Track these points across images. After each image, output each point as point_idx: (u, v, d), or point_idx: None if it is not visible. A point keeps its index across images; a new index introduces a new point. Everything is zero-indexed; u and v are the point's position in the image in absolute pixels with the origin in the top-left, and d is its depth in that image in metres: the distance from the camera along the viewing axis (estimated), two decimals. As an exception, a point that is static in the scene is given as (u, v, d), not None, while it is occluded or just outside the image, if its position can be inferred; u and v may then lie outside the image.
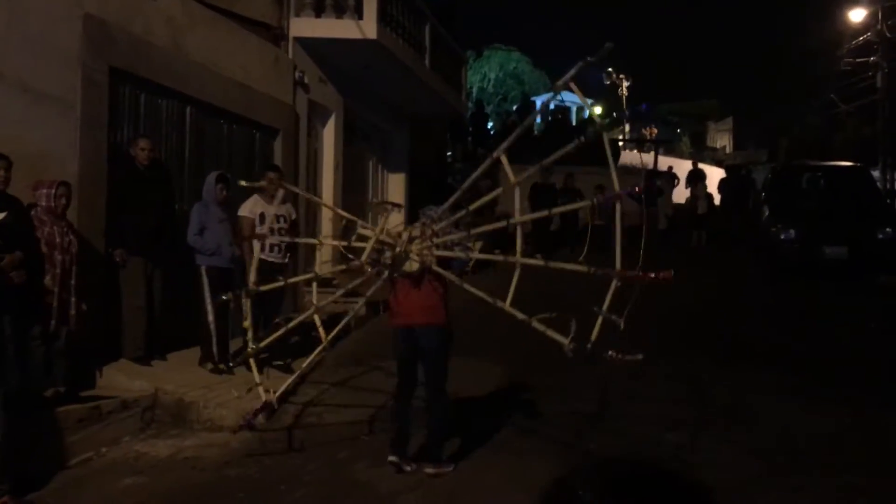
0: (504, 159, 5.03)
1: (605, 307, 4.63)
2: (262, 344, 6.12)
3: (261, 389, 5.92)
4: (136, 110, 7.63)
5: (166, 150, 8.05)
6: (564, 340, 4.65)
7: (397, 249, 5.24)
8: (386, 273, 5.35)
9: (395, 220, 5.54)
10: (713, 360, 8.00)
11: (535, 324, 4.84)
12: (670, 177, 20.76)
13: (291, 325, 6.12)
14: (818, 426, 6.21)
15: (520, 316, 4.90)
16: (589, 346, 4.58)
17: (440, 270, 5.27)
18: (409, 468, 5.28)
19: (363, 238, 5.43)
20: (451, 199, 5.35)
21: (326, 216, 11.72)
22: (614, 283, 4.66)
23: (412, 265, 5.26)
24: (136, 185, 7.09)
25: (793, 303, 11.01)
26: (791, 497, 4.93)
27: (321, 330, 5.95)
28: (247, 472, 5.51)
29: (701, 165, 21.41)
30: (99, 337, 6.69)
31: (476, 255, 5.60)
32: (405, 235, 5.27)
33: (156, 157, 7.41)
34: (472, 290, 5.11)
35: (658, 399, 6.94)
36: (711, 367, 7.83)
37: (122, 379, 6.77)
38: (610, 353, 4.64)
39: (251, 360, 6.01)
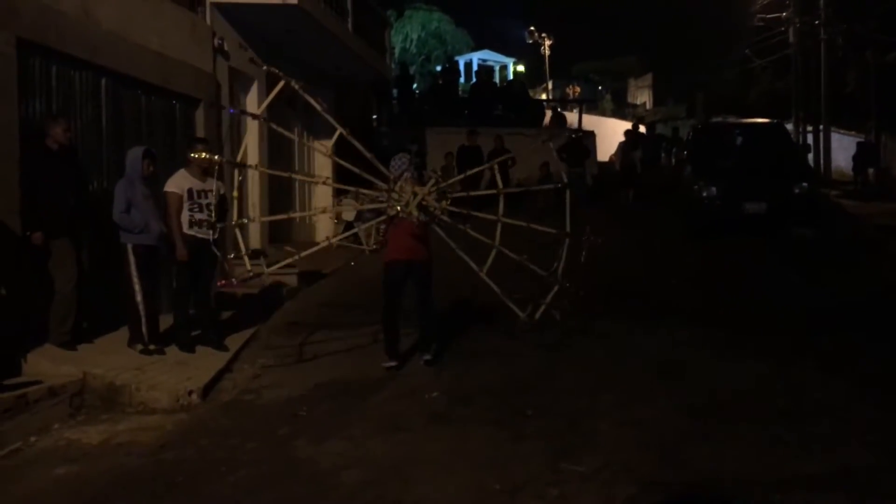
0: None
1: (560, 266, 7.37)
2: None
3: None
4: (48, 83, 7.28)
5: (81, 125, 7.70)
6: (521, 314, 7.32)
7: (417, 200, 6.93)
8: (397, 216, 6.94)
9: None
10: (638, 318, 8.27)
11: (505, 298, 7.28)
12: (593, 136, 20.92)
13: None
14: (743, 379, 6.45)
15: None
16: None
17: (444, 219, 7.21)
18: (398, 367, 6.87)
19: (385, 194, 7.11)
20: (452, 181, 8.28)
21: (254, 190, 11.54)
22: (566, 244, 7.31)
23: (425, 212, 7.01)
24: (50, 166, 6.78)
25: (717, 258, 11.39)
26: (720, 450, 5.08)
27: None
28: (184, 455, 5.39)
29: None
30: (21, 323, 6.45)
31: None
32: (422, 189, 7.01)
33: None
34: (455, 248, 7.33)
35: (586, 355, 7.16)
36: (637, 324, 8.09)
37: (47, 365, 6.54)
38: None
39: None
